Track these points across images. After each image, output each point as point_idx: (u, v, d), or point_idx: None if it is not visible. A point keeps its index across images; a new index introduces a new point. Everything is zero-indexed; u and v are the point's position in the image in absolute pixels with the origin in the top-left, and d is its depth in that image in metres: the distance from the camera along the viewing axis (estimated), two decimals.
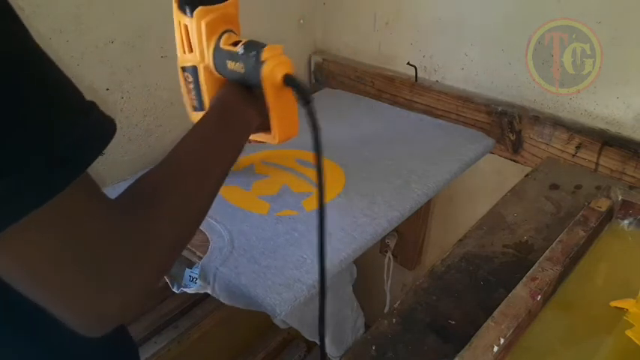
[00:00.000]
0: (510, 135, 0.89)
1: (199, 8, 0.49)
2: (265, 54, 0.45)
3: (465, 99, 0.93)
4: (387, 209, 0.71)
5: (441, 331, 0.54)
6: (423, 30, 0.97)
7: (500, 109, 0.88)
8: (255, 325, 1.19)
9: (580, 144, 0.81)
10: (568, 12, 0.76)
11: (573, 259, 0.57)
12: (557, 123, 0.83)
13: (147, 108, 0.87)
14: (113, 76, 0.81)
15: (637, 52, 0.72)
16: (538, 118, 0.84)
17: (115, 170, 0.82)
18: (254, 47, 0.47)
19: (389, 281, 1.21)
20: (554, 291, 0.55)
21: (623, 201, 0.65)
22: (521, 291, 0.52)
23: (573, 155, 0.82)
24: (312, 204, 0.72)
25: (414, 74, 1.00)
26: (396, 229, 0.77)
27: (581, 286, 0.57)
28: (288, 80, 0.45)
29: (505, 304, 0.51)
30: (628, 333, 0.51)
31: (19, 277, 0.28)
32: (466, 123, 0.94)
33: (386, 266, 1.20)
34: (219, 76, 0.52)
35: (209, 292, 0.63)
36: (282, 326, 0.68)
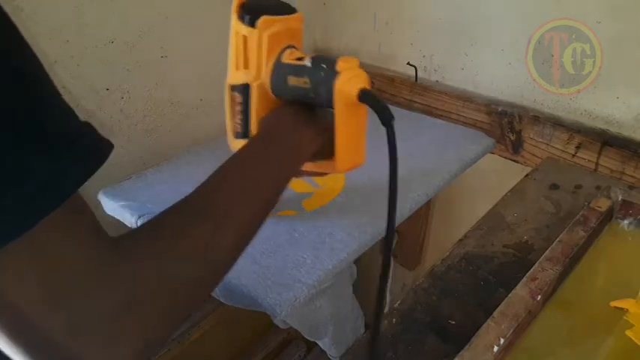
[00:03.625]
0: (510, 135, 0.89)
1: (263, 18, 0.44)
2: (340, 65, 0.40)
3: (465, 99, 0.93)
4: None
5: (441, 331, 0.54)
6: (423, 30, 0.97)
7: (500, 109, 0.88)
8: (255, 325, 1.19)
9: (580, 144, 0.81)
10: (568, 12, 0.76)
11: (573, 259, 0.57)
12: (557, 123, 0.83)
13: (147, 108, 0.87)
14: (113, 76, 0.81)
15: (637, 52, 0.72)
16: (538, 118, 0.84)
17: (114, 171, 0.82)
18: (325, 60, 0.42)
19: (389, 281, 1.21)
20: (554, 291, 0.55)
21: (623, 201, 0.65)
22: (521, 291, 0.52)
23: (573, 155, 0.82)
24: (312, 204, 0.72)
25: (414, 74, 1.00)
26: (396, 229, 0.77)
27: (581, 286, 0.57)
28: (364, 95, 0.39)
29: (505, 304, 0.51)
30: (628, 333, 0.51)
31: None
32: (466, 123, 0.94)
33: None
34: (273, 97, 0.47)
35: None
36: (282, 326, 0.68)
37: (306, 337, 0.80)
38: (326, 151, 0.45)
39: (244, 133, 0.49)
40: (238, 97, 0.48)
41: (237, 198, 0.36)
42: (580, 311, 0.55)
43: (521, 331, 0.50)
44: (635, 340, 0.50)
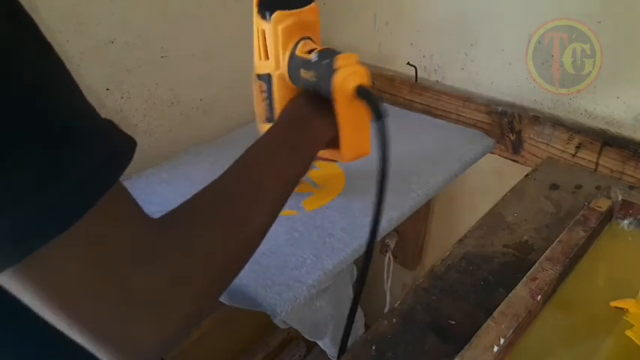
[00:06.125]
0: (510, 135, 0.89)
1: (277, 12, 0.47)
2: (338, 62, 0.43)
3: (465, 99, 0.93)
4: (387, 209, 0.70)
5: (441, 331, 0.54)
6: (423, 30, 0.97)
7: (500, 109, 0.88)
8: (255, 325, 1.19)
9: (580, 144, 0.81)
10: (568, 12, 0.76)
11: (573, 259, 0.57)
12: (557, 123, 0.83)
13: (147, 108, 0.87)
14: (113, 76, 0.81)
15: (637, 52, 0.72)
16: (538, 118, 0.84)
17: None
18: (328, 55, 0.45)
19: (389, 281, 1.21)
20: (554, 291, 0.55)
21: (623, 201, 0.65)
22: (521, 291, 0.52)
23: (573, 155, 0.82)
24: (312, 204, 0.72)
25: (414, 74, 1.00)
26: (396, 229, 0.77)
27: (581, 286, 0.57)
28: (360, 91, 0.42)
29: (505, 304, 0.51)
30: (628, 333, 0.51)
31: (44, 305, 0.26)
32: (466, 123, 0.94)
33: (386, 266, 1.20)
34: (292, 86, 0.50)
35: None
36: (282, 326, 0.68)
37: (306, 337, 0.80)
38: (336, 141, 0.48)
39: (270, 117, 0.53)
40: (263, 86, 0.52)
41: (263, 180, 0.39)
42: (580, 311, 0.55)
43: (521, 331, 0.50)
44: (635, 340, 0.50)
